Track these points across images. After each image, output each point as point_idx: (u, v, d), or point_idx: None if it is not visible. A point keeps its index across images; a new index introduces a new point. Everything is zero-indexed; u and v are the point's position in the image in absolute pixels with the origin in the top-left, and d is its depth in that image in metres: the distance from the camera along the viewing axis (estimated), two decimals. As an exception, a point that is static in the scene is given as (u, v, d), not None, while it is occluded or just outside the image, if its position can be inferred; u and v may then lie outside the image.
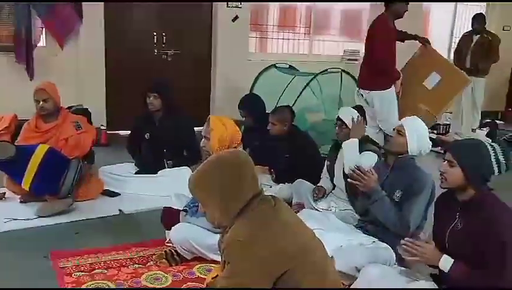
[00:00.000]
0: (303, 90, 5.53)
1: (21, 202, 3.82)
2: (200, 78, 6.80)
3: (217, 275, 2.12)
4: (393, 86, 4.97)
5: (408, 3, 4.97)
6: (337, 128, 3.62)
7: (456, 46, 7.36)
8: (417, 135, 2.82)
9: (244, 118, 4.73)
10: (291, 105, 5.36)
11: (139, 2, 6.21)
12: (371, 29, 5.06)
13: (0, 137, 4.84)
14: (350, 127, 3.51)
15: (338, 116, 3.65)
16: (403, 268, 2.61)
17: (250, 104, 4.76)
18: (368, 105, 4.95)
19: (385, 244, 2.77)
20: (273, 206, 1.92)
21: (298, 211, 3.47)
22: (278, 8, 7.45)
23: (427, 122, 5.90)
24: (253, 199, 1.90)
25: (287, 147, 4.07)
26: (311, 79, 5.61)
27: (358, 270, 2.56)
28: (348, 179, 2.89)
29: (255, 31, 7.26)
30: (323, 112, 5.93)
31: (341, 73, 5.81)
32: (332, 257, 2.15)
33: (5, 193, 3.88)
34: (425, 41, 5.49)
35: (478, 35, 6.87)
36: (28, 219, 3.51)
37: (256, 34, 7.31)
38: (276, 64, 6.42)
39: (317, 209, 3.57)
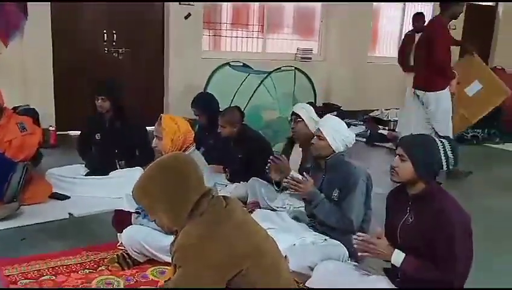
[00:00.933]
0: (257, 88, 5.54)
1: (-38, 207, 3.63)
2: (153, 77, 6.70)
3: (170, 278, 2.08)
4: (448, 88, 4.98)
5: (464, 4, 5.04)
6: (292, 123, 3.66)
7: (400, 45, 7.52)
8: (334, 133, 2.89)
9: (197, 117, 4.68)
10: (245, 103, 5.39)
11: (88, 1, 6.04)
12: (428, 31, 5.07)
13: None
14: (306, 121, 3.56)
15: (293, 111, 3.70)
16: (356, 263, 2.64)
17: (203, 103, 4.71)
18: (422, 105, 5.04)
19: (337, 241, 2.81)
20: (225, 207, 1.89)
21: (253, 210, 3.48)
22: (231, 6, 7.43)
23: (461, 125, 6.19)
24: (201, 200, 1.87)
25: (239, 147, 4.06)
26: (265, 77, 5.63)
27: (312, 269, 2.57)
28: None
29: (208, 29, 7.21)
30: (277, 109, 5.95)
31: (294, 71, 5.85)
32: (285, 256, 2.14)
33: None
34: (472, 51, 5.75)
35: (420, 34, 7.02)
36: (-31, 226, 3.34)
37: (209, 32, 7.26)
38: (230, 63, 6.39)
39: (272, 208, 3.57)
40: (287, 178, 2.95)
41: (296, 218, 3.14)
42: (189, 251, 1.78)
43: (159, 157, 2.01)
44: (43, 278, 2.77)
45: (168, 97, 6.75)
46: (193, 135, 3.16)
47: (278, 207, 3.56)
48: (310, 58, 7.84)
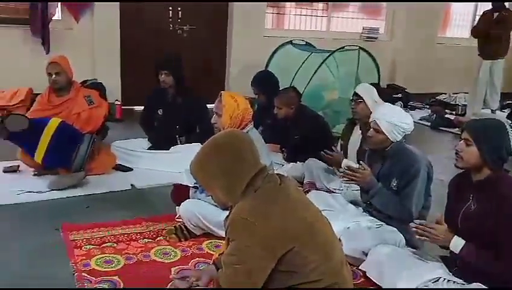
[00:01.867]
0: (319, 67, 5.44)
1: (34, 174, 3.85)
2: (215, 55, 6.75)
3: (223, 252, 2.12)
4: None
5: None
6: (353, 103, 3.57)
7: (475, 24, 7.14)
8: (392, 126, 2.75)
9: (257, 96, 4.68)
10: (306, 82, 5.32)
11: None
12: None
13: (15, 110, 4.91)
14: (367, 102, 3.46)
15: (354, 92, 3.61)
16: (412, 249, 2.56)
17: (263, 81, 4.69)
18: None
19: (392, 227, 2.73)
20: (279, 184, 1.90)
21: (309, 191, 3.45)
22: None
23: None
24: (256, 177, 1.88)
25: (296, 127, 4.03)
26: (328, 56, 5.52)
27: (366, 254, 2.53)
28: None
29: (271, 7, 7.14)
30: (339, 90, 5.83)
31: (358, 51, 5.70)
32: (339, 239, 2.12)
33: (19, 165, 3.92)
34: None
35: (497, 13, 6.64)
36: (40, 192, 3.54)
37: (273, 10, 7.19)
38: (293, 41, 6.32)
39: (328, 189, 3.53)
40: (343, 168, 2.87)
41: (353, 201, 3.09)
42: (242, 226, 1.80)
43: (219, 133, 2.02)
44: (105, 244, 2.89)
45: (229, 75, 6.79)
46: (252, 113, 3.16)
47: (334, 189, 3.52)
48: (376, 38, 7.61)
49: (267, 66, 6.14)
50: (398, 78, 7.91)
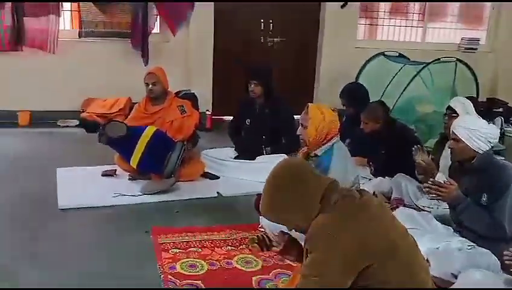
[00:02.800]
0: (412, 79, 5.26)
1: (129, 179, 4.08)
2: (305, 66, 6.75)
3: None
4: None
5: None
6: (446, 117, 3.40)
7: None
8: (470, 132, 2.59)
9: (345, 107, 4.61)
10: (398, 95, 5.16)
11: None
12: None
13: (115, 118, 5.24)
14: (460, 115, 3.28)
15: (448, 105, 3.44)
16: (509, 276, 2.37)
17: (352, 93, 4.62)
18: None
19: (486, 249, 2.54)
20: (358, 199, 1.86)
21: (397, 207, 3.33)
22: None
23: None
24: (328, 192, 1.86)
25: (383, 142, 3.90)
26: (422, 68, 5.32)
27: (455, 277, 2.37)
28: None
29: (364, 18, 7.02)
30: (433, 103, 5.58)
31: (456, 63, 5.43)
32: (427, 259, 2.01)
33: (116, 169, 4.18)
34: None
35: None
36: (133, 195, 3.74)
37: (365, 20, 7.07)
38: (385, 52, 6.17)
39: (417, 206, 3.38)
40: (428, 182, 2.72)
41: (443, 220, 2.92)
42: (320, 239, 1.78)
43: (271, 172, 2.00)
44: (191, 249, 2.99)
45: (318, 86, 6.76)
46: (338, 126, 3.12)
47: (424, 206, 3.36)
48: (476, 49, 7.19)
49: (357, 77, 6.04)
50: (500, 92, 7.40)
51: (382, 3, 7.07)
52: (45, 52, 5.66)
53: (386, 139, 3.91)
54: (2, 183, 3.93)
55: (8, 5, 5.45)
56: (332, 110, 3.11)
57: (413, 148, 3.31)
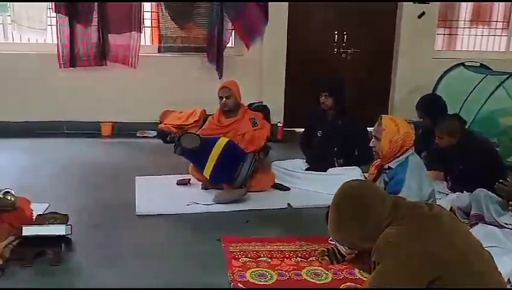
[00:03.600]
0: (495, 90, 5.01)
1: (202, 188, 4.19)
2: (379, 78, 6.63)
3: None
4: None
5: None
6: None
7: None
8: None
9: (421, 119, 4.47)
10: (479, 107, 4.92)
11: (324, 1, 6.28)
12: None
13: (190, 129, 5.42)
14: None
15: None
16: None
17: (428, 104, 4.47)
18: None
19: None
20: (428, 211, 1.84)
21: (476, 223, 3.16)
22: (471, 2, 6.83)
23: None
24: (395, 208, 1.85)
25: (460, 157, 3.72)
26: (506, 78, 5.04)
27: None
28: None
29: (443, 27, 6.78)
30: (518, 116, 5.26)
31: (543, 72, 5.09)
32: (508, 279, 1.89)
33: (190, 179, 4.31)
34: None
35: None
36: (206, 204, 3.84)
37: (444, 30, 6.82)
38: (465, 63, 5.92)
39: (499, 223, 3.18)
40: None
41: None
42: (388, 249, 1.76)
43: (334, 197, 2.00)
44: (260, 259, 3.00)
45: (393, 98, 6.60)
46: (413, 138, 3.03)
47: (506, 223, 3.16)
48: None
49: (435, 89, 5.84)
50: None
51: (463, 12, 6.80)
52: (127, 66, 5.97)
53: (464, 152, 3.74)
54: (85, 190, 4.18)
55: (95, 23, 5.82)
56: (408, 122, 3.03)
57: (495, 186, 3.16)
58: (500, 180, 3.19)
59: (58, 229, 2.90)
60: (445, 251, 1.71)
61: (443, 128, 3.84)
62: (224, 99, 4.23)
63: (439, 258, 1.70)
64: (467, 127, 4.14)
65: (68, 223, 2.98)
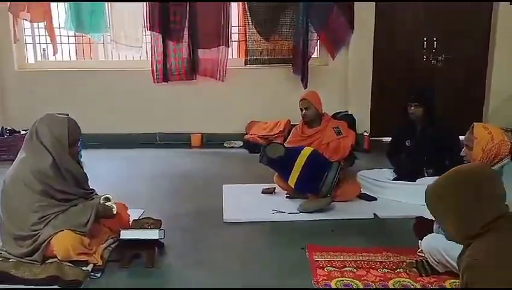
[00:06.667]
0: None
1: (287, 197, 4.23)
2: (473, 84, 6.32)
3: None
4: None
5: None
6: None
7: None
8: None
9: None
10: None
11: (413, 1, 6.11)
12: None
13: (275, 139, 5.51)
14: None
15: None
16: None
17: None
18: None
19: None
20: None
21: None
22: None
23: None
24: (498, 220, 1.71)
25: None
26: None
27: None
28: None
29: (543, 29, 6.33)
30: None
31: None
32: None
33: (275, 188, 4.37)
34: None
35: None
36: (291, 213, 3.87)
37: (545, 32, 6.36)
38: None
39: None
40: None
41: None
42: (479, 272, 1.65)
43: (463, 165, 1.91)
44: (346, 268, 2.97)
45: (488, 105, 6.25)
46: (509, 147, 2.87)
47: None
48: None
49: (535, 95, 5.46)
50: None
51: None
52: (215, 80, 6.21)
53: None
54: (177, 197, 4.40)
55: (185, 39, 6.12)
56: (506, 130, 2.87)
57: None
58: None
59: (153, 234, 3.05)
60: None
61: None
62: (303, 110, 4.28)
63: None
64: None
65: (161, 228, 3.13)
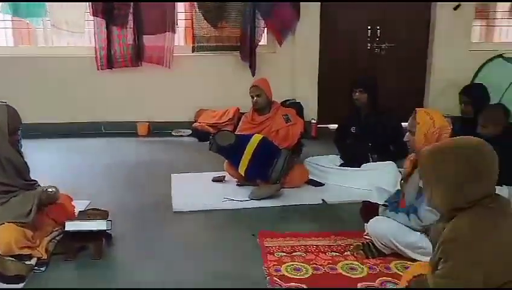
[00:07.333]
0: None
1: (237, 185, 4.24)
2: (415, 71, 6.53)
3: (420, 274, 2.02)
4: None
5: None
6: None
7: None
8: None
9: (462, 105, 4.35)
10: (519, 100, 4.79)
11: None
12: None
13: (224, 127, 5.49)
14: None
15: None
16: None
17: (477, 91, 4.36)
18: None
19: None
20: (501, 208, 1.73)
21: None
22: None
23: None
24: (483, 200, 1.72)
25: (502, 149, 3.61)
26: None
27: None
28: None
29: (480, 19, 6.63)
30: None
31: None
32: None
33: (225, 176, 4.36)
34: None
35: None
36: (241, 200, 3.88)
37: (481, 22, 6.66)
38: (504, 54, 5.77)
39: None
40: None
41: None
42: (461, 248, 1.66)
43: (467, 137, 1.86)
44: (295, 253, 3.03)
45: (429, 92, 6.48)
46: (450, 130, 2.99)
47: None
48: None
49: (472, 81, 5.72)
50: None
51: (500, 4, 6.62)
52: (162, 67, 6.09)
53: (505, 145, 3.63)
54: (124, 187, 4.30)
55: (130, 25, 5.96)
56: (445, 116, 2.98)
57: None
58: None
59: (99, 225, 2.97)
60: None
61: (488, 116, 3.68)
62: (255, 98, 4.28)
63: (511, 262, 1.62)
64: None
65: (108, 219, 3.06)
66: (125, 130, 6.16)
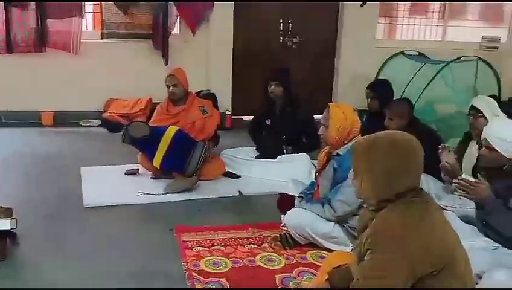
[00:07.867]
0: (432, 79, 5.24)
1: (152, 178, 4.14)
2: (324, 66, 6.75)
3: (339, 265, 2.05)
4: None
5: None
6: (471, 117, 3.37)
7: None
8: (504, 141, 2.54)
9: (369, 100, 4.57)
10: (418, 95, 5.14)
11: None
12: None
13: (136, 118, 5.32)
14: (487, 116, 3.25)
15: (472, 105, 3.41)
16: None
17: (381, 87, 4.59)
18: None
19: (511, 250, 2.51)
20: (426, 201, 1.82)
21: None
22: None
23: None
24: (409, 192, 1.80)
25: None
26: (443, 67, 5.30)
27: (480, 277, 2.36)
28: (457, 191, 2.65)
29: (384, 17, 6.99)
30: (454, 103, 5.54)
31: (477, 61, 5.40)
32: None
33: (138, 169, 4.24)
34: None
35: None
36: (157, 194, 3.80)
37: (385, 19, 7.04)
38: (405, 51, 6.15)
39: (440, 207, 3.35)
40: (457, 179, 2.68)
41: (466, 220, 2.90)
42: (387, 240, 1.73)
43: (398, 131, 1.96)
44: (214, 247, 3.03)
45: (337, 86, 6.75)
46: (360, 124, 3.13)
47: (446, 206, 3.34)
48: (497, 48, 7.11)
49: (376, 76, 6.03)
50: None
51: (402, 2, 7.03)
52: (68, 53, 5.76)
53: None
54: (29, 182, 4.03)
55: (32, 7, 5.55)
56: (353, 110, 3.11)
57: (440, 147, 3.26)
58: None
59: (2, 224, 2.78)
60: (439, 247, 1.71)
61: (394, 109, 3.90)
62: (171, 87, 4.18)
63: (434, 253, 1.69)
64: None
65: (13, 217, 2.86)
66: (28, 120, 5.74)
